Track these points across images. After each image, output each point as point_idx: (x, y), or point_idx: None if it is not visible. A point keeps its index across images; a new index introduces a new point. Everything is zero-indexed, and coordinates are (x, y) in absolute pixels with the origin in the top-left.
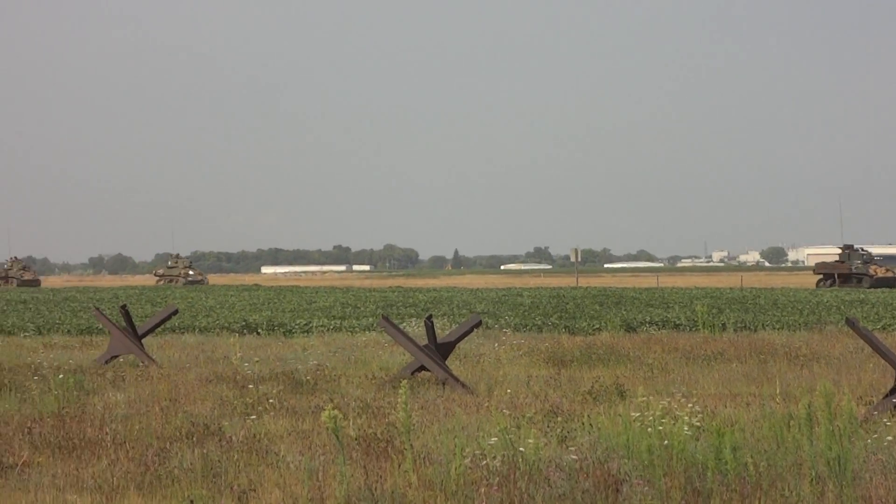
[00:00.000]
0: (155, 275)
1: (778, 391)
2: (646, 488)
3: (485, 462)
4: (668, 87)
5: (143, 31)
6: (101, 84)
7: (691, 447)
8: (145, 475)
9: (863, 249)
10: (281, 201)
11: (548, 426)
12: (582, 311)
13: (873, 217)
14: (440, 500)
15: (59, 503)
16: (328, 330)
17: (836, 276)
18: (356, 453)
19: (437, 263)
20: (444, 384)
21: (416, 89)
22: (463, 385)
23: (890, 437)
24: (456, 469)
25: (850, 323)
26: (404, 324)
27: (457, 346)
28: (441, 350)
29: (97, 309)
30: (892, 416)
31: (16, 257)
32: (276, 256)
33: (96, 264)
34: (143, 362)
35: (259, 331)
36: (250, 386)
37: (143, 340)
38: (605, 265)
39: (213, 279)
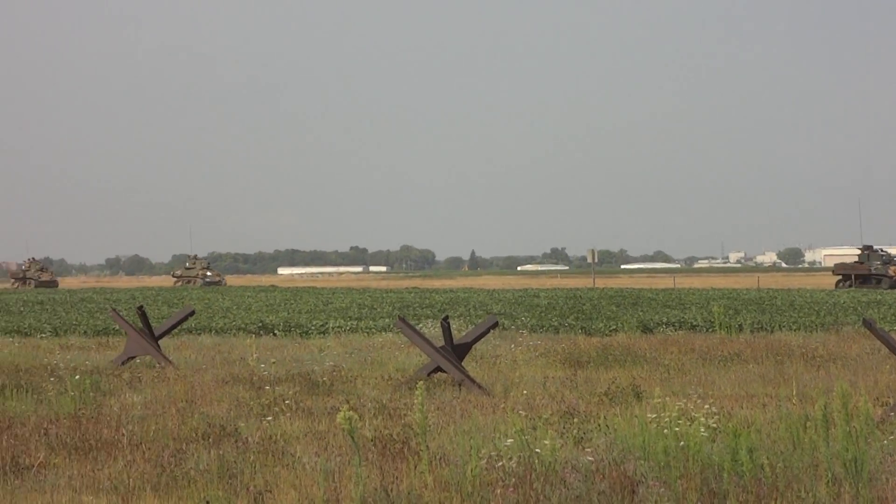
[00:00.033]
0: (173, 276)
1: (794, 392)
2: (662, 490)
3: (501, 463)
4: (687, 86)
5: (145, 32)
6: (117, 86)
7: (707, 448)
8: (161, 476)
9: (882, 250)
10: (298, 203)
11: (564, 427)
12: (598, 312)
13: (892, 218)
14: (456, 502)
15: None
16: (345, 331)
17: (853, 276)
18: (372, 454)
19: (454, 264)
20: (460, 385)
21: (439, 89)
22: (479, 386)
23: None
24: (472, 470)
25: (867, 324)
26: (421, 325)
27: (473, 347)
28: (457, 351)
29: (114, 310)
30: None
31: (33, 258)
32: (293, 258)
33: (113, 265)
34: (159, 363)
35: (276, 332)
36: (266, 387)
37: (160, 341)
38: (622, 266)
39: (230, 280)
